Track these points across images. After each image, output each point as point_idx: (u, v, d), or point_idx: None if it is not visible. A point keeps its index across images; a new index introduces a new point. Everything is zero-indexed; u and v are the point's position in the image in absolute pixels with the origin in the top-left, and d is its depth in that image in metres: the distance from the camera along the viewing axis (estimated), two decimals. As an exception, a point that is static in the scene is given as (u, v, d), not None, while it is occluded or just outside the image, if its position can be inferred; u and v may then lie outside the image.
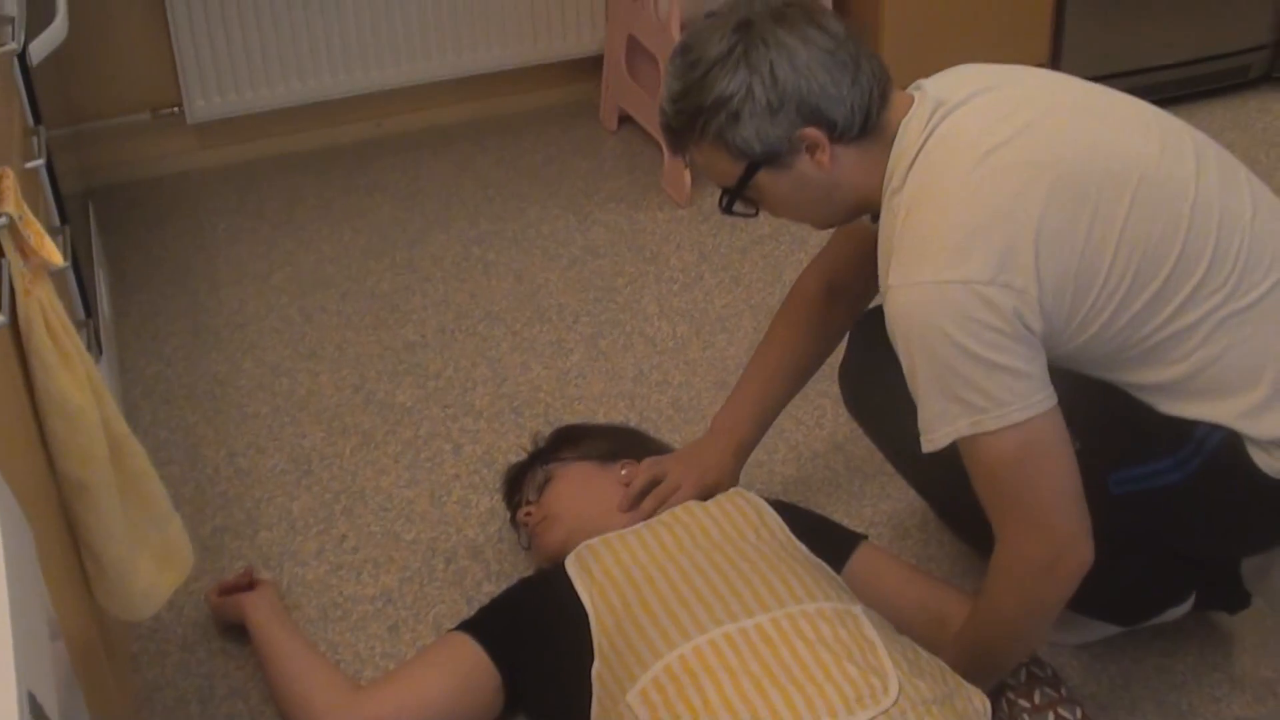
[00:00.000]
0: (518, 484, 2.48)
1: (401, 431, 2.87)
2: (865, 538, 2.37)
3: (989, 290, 1.80)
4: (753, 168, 1.95)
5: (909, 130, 1.92)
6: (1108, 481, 2.02)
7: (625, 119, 3.97)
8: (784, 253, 3.43)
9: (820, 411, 2.90)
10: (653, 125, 3.75)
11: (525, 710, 2.19)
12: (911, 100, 1.96)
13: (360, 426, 2.89)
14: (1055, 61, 3.89)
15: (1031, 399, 1.84)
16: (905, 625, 2.19)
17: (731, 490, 2.30)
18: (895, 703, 1.86)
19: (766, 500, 2.27)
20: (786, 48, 1.87)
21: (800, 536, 2.20)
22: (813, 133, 1.90)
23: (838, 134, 1.91)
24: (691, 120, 1.94)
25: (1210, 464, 1.95)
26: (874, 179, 1.95)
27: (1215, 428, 1.93)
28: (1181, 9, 3.95)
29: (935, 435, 1.89)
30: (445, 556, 2.57)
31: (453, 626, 2.23)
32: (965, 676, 1.97)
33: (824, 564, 2.16)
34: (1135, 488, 2.02)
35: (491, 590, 2.44)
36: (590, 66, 4.01)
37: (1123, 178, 1.86)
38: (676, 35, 3.49)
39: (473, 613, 2.25)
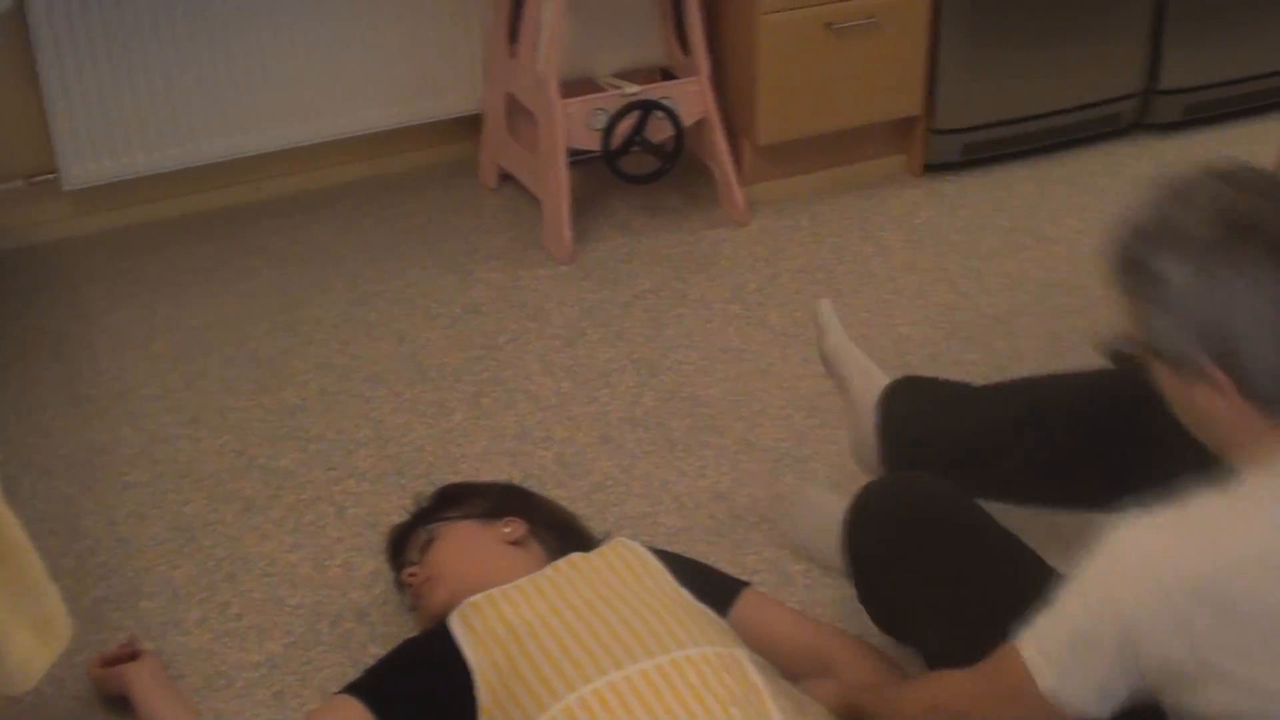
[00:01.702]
0: (401, 545, 2.48)
1: (284, 496, 2.85)
2: (749, 584, 2.39)
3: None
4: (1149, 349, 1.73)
5: None
6: None
7: (505, 177, 3.98)
8: (665, 306, 3.46)
9: (703, 462, 2.92)
10: (532, 183, 3.77)
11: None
12: None
13: (242, 492, 2.87)
14: (930, 117, 3.96)
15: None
16: (790, 670, 2.22)
17: (614, 540, 2.31)
18: (779, 747, 1.89)
19: (649, 549, 2.29)
20: (1258, 286, 1.57)
21: (683, 584, 2.21)
22: (1221, 376, 1.62)
23: (1248, 393, 1.63)
24: (1129, 262, 1.70)
25: None
26: (1258, 448, 1.67)
27: None
28: (1053, 61, 4.02)
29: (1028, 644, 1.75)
30: (330, 620, 2.56)
31: (338, 690, 2.21)
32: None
33: (708, 610, 2.18)
34: None
35: (377, 652, 2.43)
36: (469, 125, 4.03)
37: None
38: (554, 94, 3.52)
39: (358, 675, 2.24)
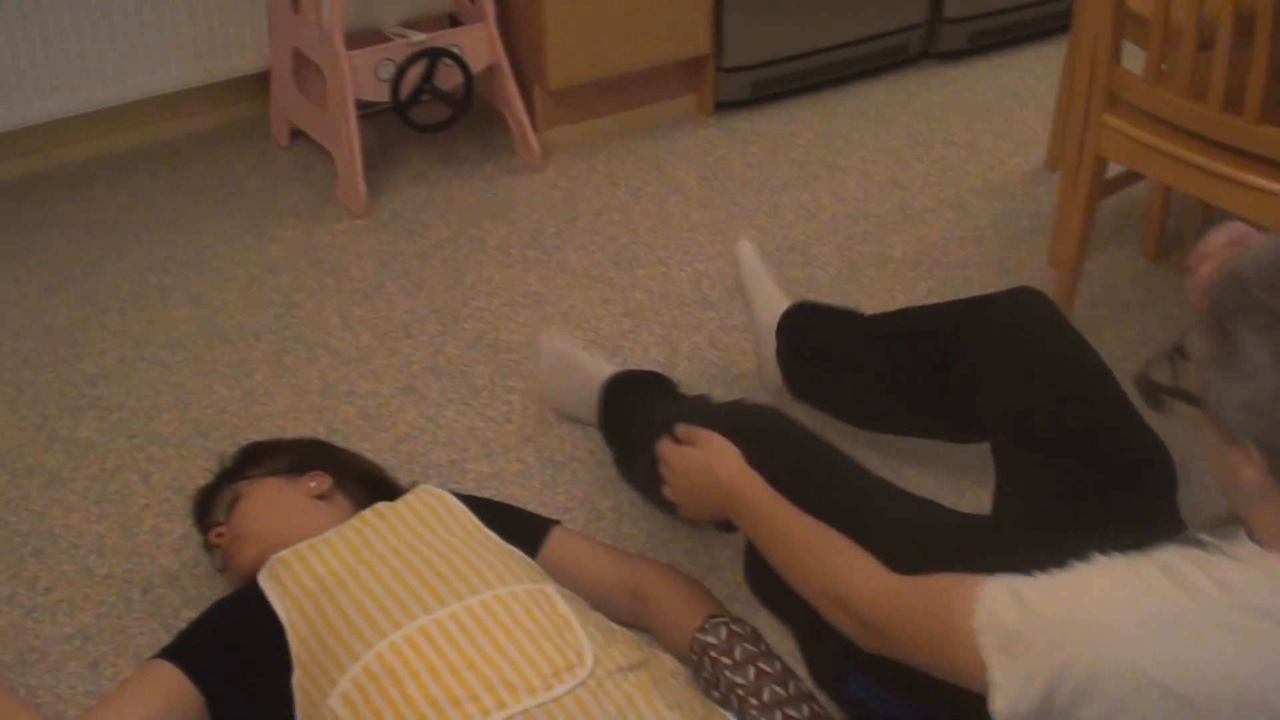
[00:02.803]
0: (207, 506, 2.47)
1: (88, 466, 2.83)
2: (558, 523, 2.43)
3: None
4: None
5: None
6: (848, 680, 2.05)
7: (297, 134, 3.96)
8: (464, 255, 3.47)
9: (508, 406, 2.95)
10: (324, 137, 3.75)
11: (233, 730, 2.19)
12: None
13: (45, 465, 2.83)
14: (719, 56, 4.00)
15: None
16: (603, 602, 2.27)
17: (419, 488, 2.34)
18: (591, 673, 1.94)
19: (455, 494, 2.31)
20: None
21: (491, 526, 2.25)
22: (1255, 454, 1.58)
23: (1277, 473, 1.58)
24: (1215, 308, 1.61)
25: None
26: (1267, 511, 1.62)
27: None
28: (838, -8, 4.09)
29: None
30: (141, 587, 2.54)
31: (151, 655, 2.21)
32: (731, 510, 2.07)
33: (515, 550, 2.21)
34: (866, 696, 2.04)
35: (190, 616, 2.41)
36: (257, 83, 3.99)
37: None
38: (340, 46, 3.50)
39: (171, 639, 2.24)
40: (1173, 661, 1.54)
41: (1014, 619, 1.64)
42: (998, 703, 1.63)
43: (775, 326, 2.75)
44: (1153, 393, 1.72)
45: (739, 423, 2.27)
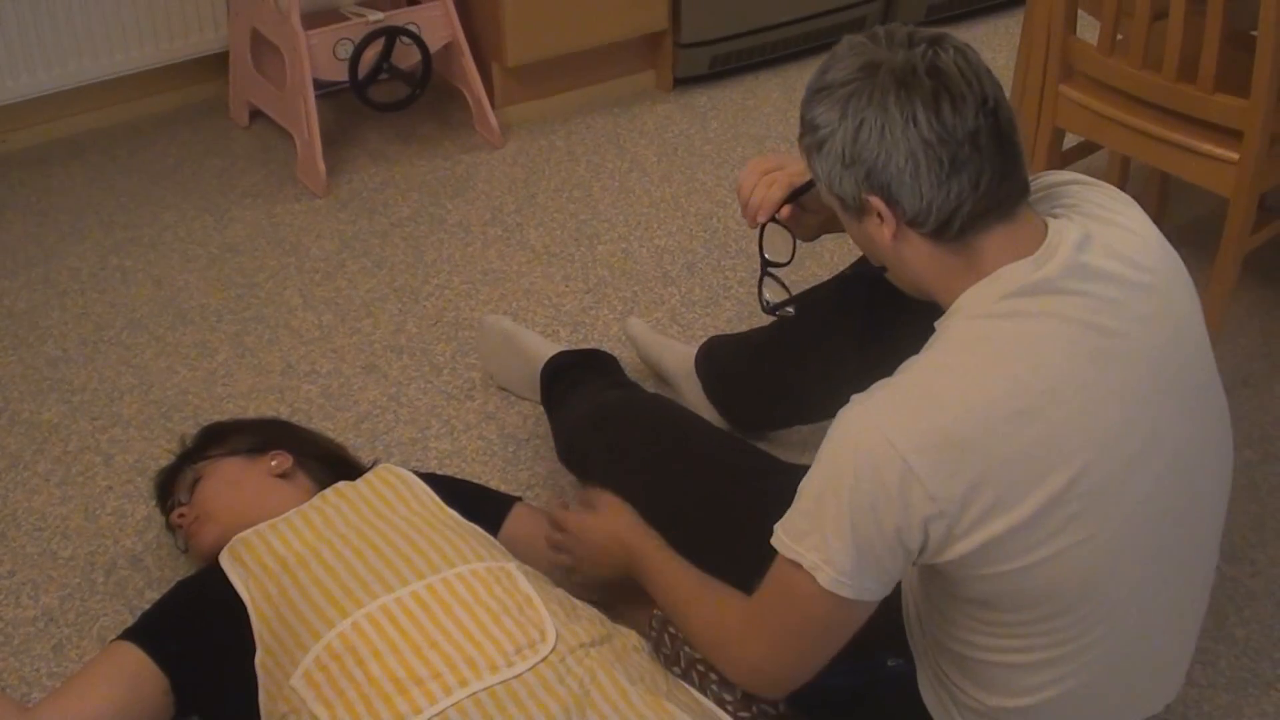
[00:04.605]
0: (168, 487, 2.47)
1: (50, 449, 2.82)
2: (519, 499, 2.44)
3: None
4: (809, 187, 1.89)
5: (983, 294, 1.74)
6: None
7: (256, 114, 3.94)
8: (424, 233, 3.47)
9: (470, 384, 2.95)
10: (283, 117, 3.75)
11: (198, 711, 2.18)
12: (1038, 237, 1.76)
13: (7, 448, 2.83)
14: (677, 31, 3.99)
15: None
16: (564, 578, 2.27)
17: (379, 466, 2.34)
18: (554, 649, 1.95)
19: (416, 474, 2.32)
20: (886, 115, 1.69)
21: (452, 504, 2.25)
22: (878, 204, 1.74)
23: (908, 220, 1.74)
24: (801, 119, 1.81)
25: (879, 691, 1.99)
26: (941, 281, 1.79)
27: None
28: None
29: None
30: (105, 569, 2.54)
31: (115, 636, 2.22)
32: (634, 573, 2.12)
33: (477, 528, 2.22)
34: None
35: (154, 597, 2.42)
36: (216, 64, 3.97)
37: None
38: (297, 26, 3.49)
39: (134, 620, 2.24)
40: (912, 423, 1.68)
41: (807, 524, 1.74)
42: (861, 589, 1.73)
43: (694, 369, 2.76)
44: (777, 310, 2.11)
45: (598, 418, 2.49)
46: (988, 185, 1.70)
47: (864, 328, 2.36)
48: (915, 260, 1.78)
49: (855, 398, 1.73)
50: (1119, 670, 1.85)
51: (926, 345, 1.76)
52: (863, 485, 1.68)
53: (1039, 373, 1.69)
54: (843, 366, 2.46)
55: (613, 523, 2.18)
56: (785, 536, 1.76)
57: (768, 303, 2.17)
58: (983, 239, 1.73)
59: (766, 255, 2.16)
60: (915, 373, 1.73)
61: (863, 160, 1.72)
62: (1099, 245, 1.76)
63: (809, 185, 2.09)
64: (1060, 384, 1.69)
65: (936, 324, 1.78)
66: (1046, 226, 1.76)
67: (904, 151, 1.69)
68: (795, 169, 2.12)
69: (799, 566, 1.73)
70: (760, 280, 2.17)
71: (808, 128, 1.78)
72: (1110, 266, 1.75)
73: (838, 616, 1.76)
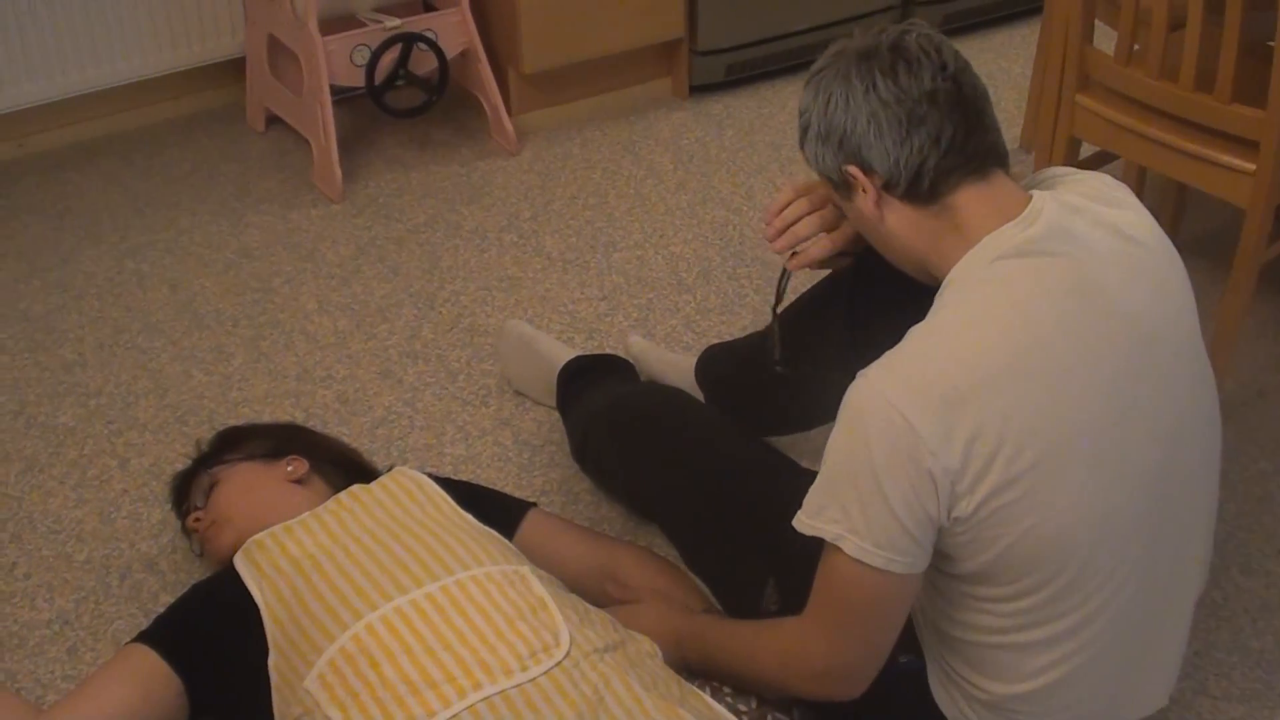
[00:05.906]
0: (184, 491, 2.48)
1: (66, 452, 2.83)
2: (534, 505, 2.44)
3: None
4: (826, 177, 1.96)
5: (974, 262, 1.82)
6: None
7: (273, 119, 3.95)
8: (440, 239, 3.47)
9: (485, 390, 2.96)
10: (299, 123, 3.75)
11: (212, 713, 2.19)
12: (1021, 203, 1.84)
13: (23, 452, 2.84)
14: (693, 39, 4.00)
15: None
16: (579, 584, 2.28)
17: (395, 470, 2.34)
18: (568, 654, 1.95)
19: (431, 476, 2.32)
20: (849, 86, 1.84)
21: (467, 508, 2.25)
22: (856, 172, 1.87)
23: (884, 184, 1.86)
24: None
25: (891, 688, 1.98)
26: (932, 247, 1.88)
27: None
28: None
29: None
30: (120, 573, 2.55)
31: (129, 639, 2.22)
32: (690, 654, 2.11)
33: (492, 531, 2.22)
34: None
35: (168, 600, 2.43)
36: (233, 69, 3.98)
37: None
38: (314, 32, 3.50)
39: (149, 624, 2.25)
40: (916, 383, 1.73)
41: (832, 501, 1.79)
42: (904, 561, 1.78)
43: (695, 381, 2.75)
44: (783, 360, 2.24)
45: (614, 414, 2.53)
46: (950, 139, 1.81)
47: (851, 320, 2.38)
48: (902, 229, 1.88)
49: (861, 371, 1.79)
50: (1115, 654, 1.89)
51: (927, 316, 1.82)
52: (871, 449, 1.74)
53: (1029, 329, 1.75)
54: (832, 365, 2.48)
55: (647, 620, 2.19)
56: (804, 515, 1.83)
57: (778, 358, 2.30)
58: (957, 197, 1.83)
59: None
60: (913, 338, 1.80)
61: (834, 130, 1.86)
62: (1086, 214, 1.84)
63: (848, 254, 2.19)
64: (1050, 340, 1.76)
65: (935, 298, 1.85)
66: (1031, 198, 1.84)
67: (865, 114, 1.83)
68: (834, 219, 2.16)
69: (831, 547, 1.79)
70: (775, 334, 2.30)
71: (800, 112, 1.93)
72: (1094, 233, 1.83)
73: (879, 590, 1.80)
